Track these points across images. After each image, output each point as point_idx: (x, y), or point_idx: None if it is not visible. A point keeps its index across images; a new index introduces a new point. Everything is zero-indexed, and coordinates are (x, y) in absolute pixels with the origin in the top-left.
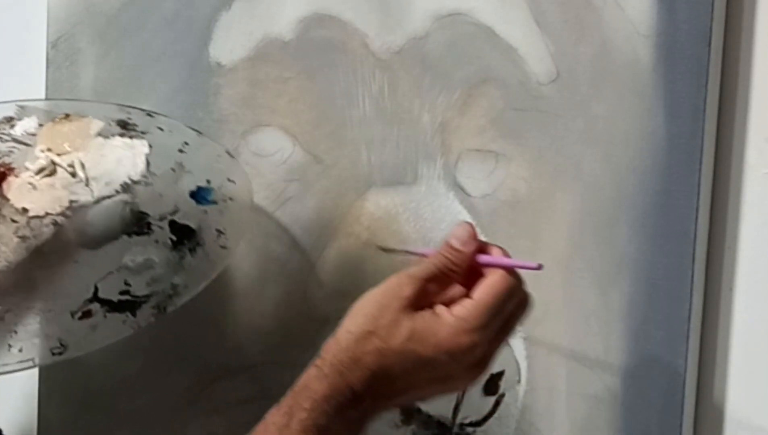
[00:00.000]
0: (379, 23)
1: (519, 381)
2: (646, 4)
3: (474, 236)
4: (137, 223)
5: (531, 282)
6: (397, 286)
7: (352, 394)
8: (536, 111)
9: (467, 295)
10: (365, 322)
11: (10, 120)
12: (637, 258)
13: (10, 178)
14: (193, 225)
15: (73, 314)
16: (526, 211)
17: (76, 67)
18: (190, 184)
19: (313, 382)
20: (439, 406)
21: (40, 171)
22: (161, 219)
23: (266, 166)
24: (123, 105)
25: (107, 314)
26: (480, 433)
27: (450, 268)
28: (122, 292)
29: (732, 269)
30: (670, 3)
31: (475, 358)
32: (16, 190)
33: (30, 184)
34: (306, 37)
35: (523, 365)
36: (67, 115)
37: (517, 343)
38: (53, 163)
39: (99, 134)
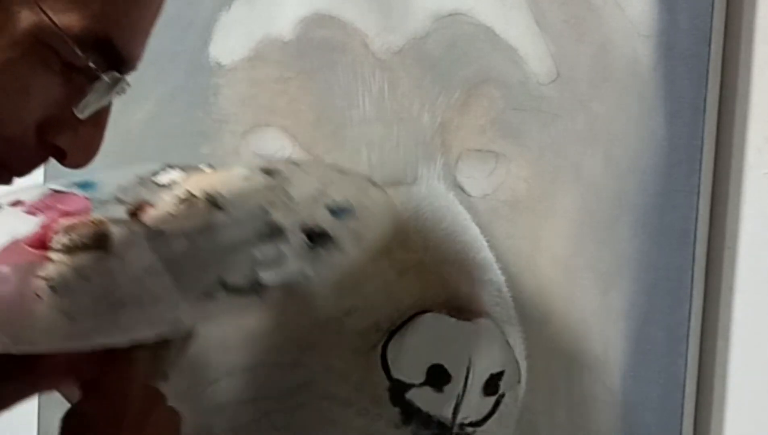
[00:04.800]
0: (379, 23)
1: (519, 381)
2: (646, 4)
3: None
4: (272, 231)
5: (532, 282)
6: None
7: None
8: (536, 111)
9: None
10: None
11: (155, 173)
12: (637, 258)
13: (148, 208)
14: (328, 231)
15: (196, 297)
16: (526, 211)
17: None
18: (329, 202)
19: None
20: (439, 406)
21: (177, 200)
22: (296, 227)
23: None
24: (270, 161)
25: (231, 298)
26: (480, 433)
27: None
28: (250, 280)
29: (732, 269)
30: (670, 3)
31: None
32: (154, 217)
33: (168, 212)
34: (306, 37)
35: (523, 365)
36: (212, 167)
37: (517, 343)
38: (191, 193)
39: (242, 177)
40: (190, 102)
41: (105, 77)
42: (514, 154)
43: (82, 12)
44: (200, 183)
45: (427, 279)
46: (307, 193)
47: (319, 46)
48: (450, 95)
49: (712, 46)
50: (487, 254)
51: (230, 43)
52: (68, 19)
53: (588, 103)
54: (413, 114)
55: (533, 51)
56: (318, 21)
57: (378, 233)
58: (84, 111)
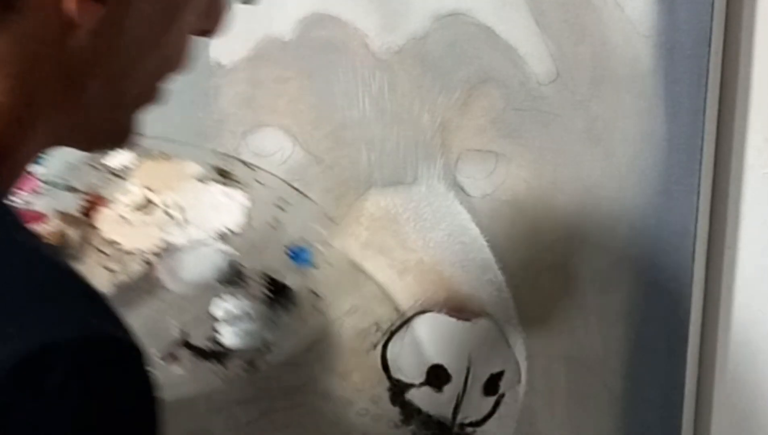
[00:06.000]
0: (379, 23)
1: (519, 381)
2: (646, 4)
3: None
4: (231, 274)
5: (532, 282)
6: None
7: None
8: (536, 111)
9: None
10: None
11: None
12: (637, 258)
13: (101, 208)
14: (289, 284)
15: (158, 356)
16: (526, 211)
17: None
18: (287, 242)
19: None
20: (439, 406)
21: (134, 206)
22: (256, 273)
23: (266, 166)
24: (222, 153)
25: (194, 360)
26: (480, 433)
27: None
28: (211, 340)
29: (732, 269)
30: (670, 3)
31: None
32: (107, 221)
33: (122, 217)
34: (306, 37)
35: (523, 365)
36: (166, 155)
37: (517, 343)
38: (149, 200)
39: (197, 178)
40: (190, 102)
41: None
42: (514, 154)
43: None
44: (154, 181)
45: (427, 279)
46: (263, 220)
47: (319, 46)
48: (450, 95)
49: (712, 46)
50: (487, 254)
51: (230, 43)
52: None
53: (588, 103)
54: (413, 114)
55: (533, 51)
56: (318, 21)
57: (341, 294)
58: None
